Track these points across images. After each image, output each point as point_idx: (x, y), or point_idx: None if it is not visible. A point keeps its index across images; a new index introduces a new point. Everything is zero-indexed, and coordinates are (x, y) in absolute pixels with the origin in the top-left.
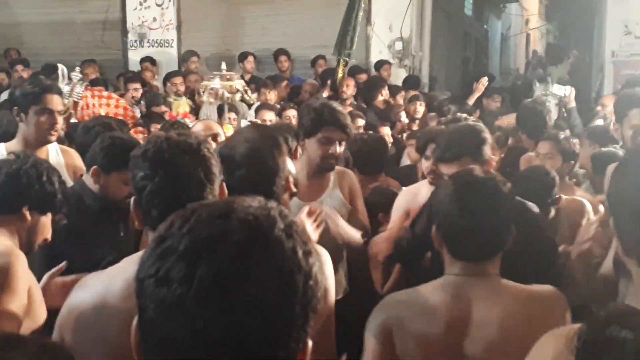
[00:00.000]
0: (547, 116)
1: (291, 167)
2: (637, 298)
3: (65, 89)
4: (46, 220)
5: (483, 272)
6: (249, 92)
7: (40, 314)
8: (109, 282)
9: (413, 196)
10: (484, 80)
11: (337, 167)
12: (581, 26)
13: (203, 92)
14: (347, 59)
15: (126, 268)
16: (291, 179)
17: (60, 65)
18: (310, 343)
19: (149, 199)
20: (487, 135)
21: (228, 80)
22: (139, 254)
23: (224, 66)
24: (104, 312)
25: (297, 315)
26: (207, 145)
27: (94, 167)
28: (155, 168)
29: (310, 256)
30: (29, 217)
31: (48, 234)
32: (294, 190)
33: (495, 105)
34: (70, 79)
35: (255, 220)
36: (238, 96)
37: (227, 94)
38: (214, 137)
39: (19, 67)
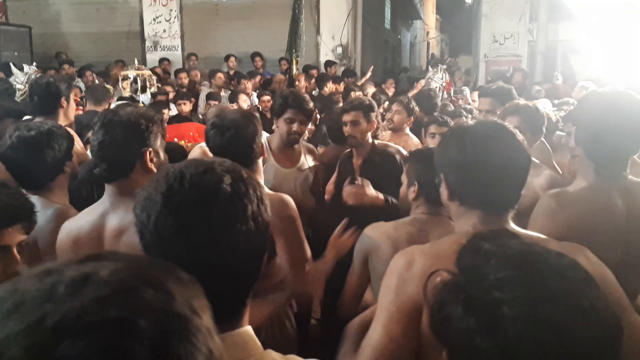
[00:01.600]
0: (436, 99)
1: (264, 139)
2: None
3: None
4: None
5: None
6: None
7: None
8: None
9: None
10: (422, 82)
11: (304, 143)
12: (463, 36)
13: (123, 79)
14: (296, 59)
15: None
16: (264, 147)
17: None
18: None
19: None
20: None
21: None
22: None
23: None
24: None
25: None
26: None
27: None
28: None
29: (244, 187)
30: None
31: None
32: (265, 156)
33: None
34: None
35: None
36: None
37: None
38: None
39: (66, 66)
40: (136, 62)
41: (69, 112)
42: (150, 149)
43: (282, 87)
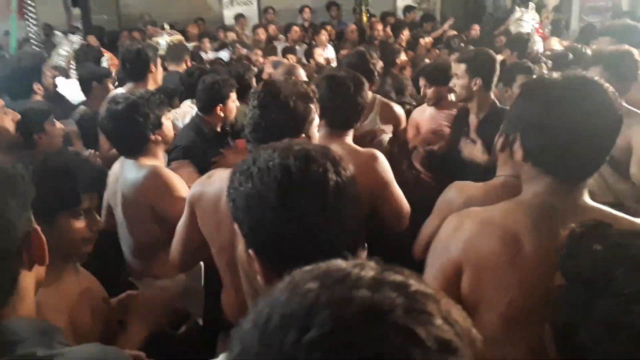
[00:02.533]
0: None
1: None
2: None
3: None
4: None
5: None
6: None
7: None
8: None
9: (421, 112)
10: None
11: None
12: None
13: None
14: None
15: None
16: None
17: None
18: None
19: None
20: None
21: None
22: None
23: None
24: (222, 199)
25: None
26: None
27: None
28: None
29: (342, 171)
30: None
31: None
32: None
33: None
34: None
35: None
36: None
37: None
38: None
39: (150, 27)
40: (167, 26)
41: (157, 76)
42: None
43: (355, 38)
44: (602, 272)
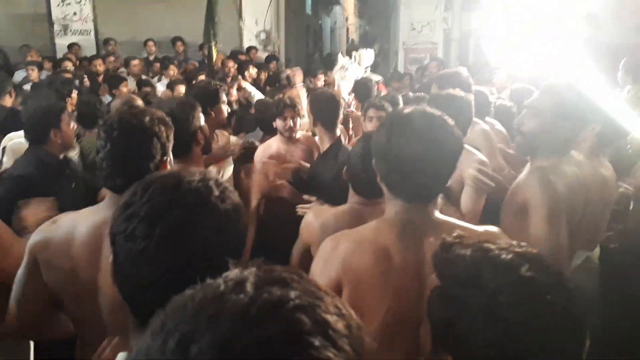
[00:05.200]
0: (373, 88)
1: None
2: None
3: None
4: None
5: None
6: None
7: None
8: (77, 223)
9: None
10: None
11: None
12: (382, 23)
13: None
14: (215, 45)
15: (89, 214)
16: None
17: None
18: None
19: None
20: None
21: None
22: (100, 205)
23: None
24: (74, 245)
25: (233, 254)
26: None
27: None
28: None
29: (239, 211)
30: None
31: None
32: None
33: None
34: None
35: (197, 190)
36: None
37: None
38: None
39: None
40: None
41: None
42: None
43: (198, 75)
44: (473, 271)
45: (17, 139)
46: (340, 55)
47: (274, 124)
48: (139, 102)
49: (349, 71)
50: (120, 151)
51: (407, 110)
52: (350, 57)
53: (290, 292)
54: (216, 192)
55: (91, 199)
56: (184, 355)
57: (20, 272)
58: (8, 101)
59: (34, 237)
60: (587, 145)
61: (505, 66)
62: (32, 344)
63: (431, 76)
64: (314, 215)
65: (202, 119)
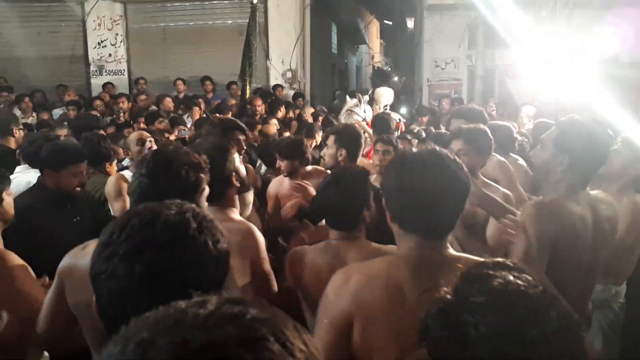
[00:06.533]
0: (391, 122)
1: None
2: None
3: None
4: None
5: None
6: None
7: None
8: None
9: (279, 184)
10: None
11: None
12: (407, 61)
13: None
14: (249, 84)
15: None
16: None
17: None
18: None
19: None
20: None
21: None
22: None
23: None
24: None
25: (214, 284)
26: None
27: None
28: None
29: (218, 243)
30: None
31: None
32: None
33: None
34: None
35: (174, 225)
36: None
37: None
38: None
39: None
40: None
41: None
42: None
43: (234, 111)
44: (467, 287)
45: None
46: (347, 97)
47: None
48: (150, 138)
49: (355, 115)
50: (151, 191)
51: (416, 150)
52: (356, 98)
53: (249, 309)
54: (194, 224)
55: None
56: (142, 356)
57: (50, 292)
58: (11, 141)
59: (64, 261)
60: (623, 182)
61: (531, 102)
62: (47, 354)
63: (442, 111)
64: (300, 248)
65: (237, 161)
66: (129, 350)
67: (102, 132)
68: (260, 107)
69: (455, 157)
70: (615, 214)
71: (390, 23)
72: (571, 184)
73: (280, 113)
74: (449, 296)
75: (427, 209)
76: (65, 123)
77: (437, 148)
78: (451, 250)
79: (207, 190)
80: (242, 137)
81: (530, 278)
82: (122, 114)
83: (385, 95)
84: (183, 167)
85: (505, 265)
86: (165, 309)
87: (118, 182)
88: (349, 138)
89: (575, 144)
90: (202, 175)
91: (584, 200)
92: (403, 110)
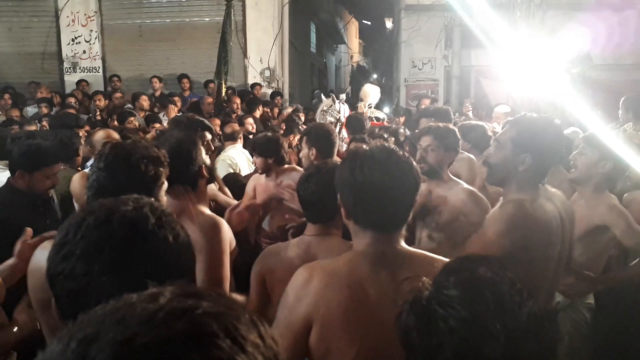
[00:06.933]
0: (365, 122)
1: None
2: None
3: None
4: None
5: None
6: None
7: None
8: None
9: (256, 180)
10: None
11: None
12: (385, 61)
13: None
14: (225, 82)
15: None
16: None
17: None
18: None
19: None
20: None
21: None
22: None
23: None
24: None
25: (176, 278)
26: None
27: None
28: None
29: (178, 237)
30: None
31: None
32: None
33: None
34: None
35: (131, 221)
36: None
37: None
38: None
39: None
40: None
41: None
42: None
43: (211, 110)
44: (443, 280)
45: None
46: (322, 96)
47: None
48: (117, 136)
49: (328, 116)
50: (109, 185)
51: (368, 146)
52: (331, 98)
53: (202, 302)
54: (152, 219)
55: None
56: (83, 355)
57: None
58: None
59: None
60: (594, 182)
61: (506, 102)
62: (14, 354)
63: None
64: (266, 252)
65: (204, 154)
66: (70, 350)
67: (80, 131)
68: (238, 105)
69: (422, 152)
70: (570, 207)
71: (369, 23)
72: (534, 181)
73: (258, 112)
74: (427, 286)
75: (378, 203)
76: (37, 121)
77: (388, 144)
78: (404, 245)
79: (166, 184)
80: (209, 137)
81: (509, 275)
82: (98, 112)
83: (372, 93)
84: (142, 161)
85: (486, 261)
86: (114, 302)
87: (83, 179)
88: (317, 137)
89: (535, 142)
90: (161, 169)
91: (548, 196)
92: (386, 109)
